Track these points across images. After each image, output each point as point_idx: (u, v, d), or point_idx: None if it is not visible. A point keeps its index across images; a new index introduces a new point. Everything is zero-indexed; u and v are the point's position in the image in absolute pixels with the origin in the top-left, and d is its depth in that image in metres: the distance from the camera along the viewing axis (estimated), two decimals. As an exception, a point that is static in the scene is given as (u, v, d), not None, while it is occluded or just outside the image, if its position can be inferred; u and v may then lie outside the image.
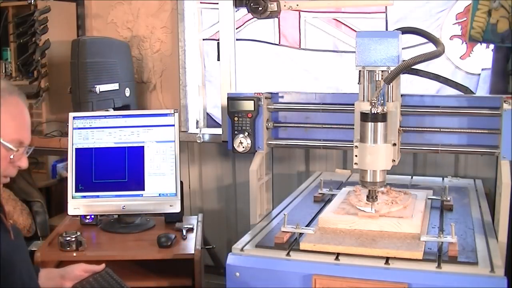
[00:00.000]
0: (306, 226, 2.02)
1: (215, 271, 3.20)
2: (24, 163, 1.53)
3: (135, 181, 2.42)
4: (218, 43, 2.98)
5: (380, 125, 1.89)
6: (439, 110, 2.23)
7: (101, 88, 2.86)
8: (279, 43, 3.28)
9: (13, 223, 1.54)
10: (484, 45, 2.85)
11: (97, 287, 1.83)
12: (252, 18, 3.05)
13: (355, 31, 3.04)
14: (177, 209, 2.43)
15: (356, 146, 1.93)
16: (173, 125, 2.44)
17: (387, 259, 1.76)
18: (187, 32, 3.32)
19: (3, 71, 3.30)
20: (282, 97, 2.48)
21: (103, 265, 1.93)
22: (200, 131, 3.24)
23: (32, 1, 3.07)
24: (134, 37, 3.42)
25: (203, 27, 3.38)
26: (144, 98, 3.43)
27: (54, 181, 3.46)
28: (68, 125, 2.49)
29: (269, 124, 2.44)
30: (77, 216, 2.51)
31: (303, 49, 3.25)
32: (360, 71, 1.95)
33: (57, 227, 2.53)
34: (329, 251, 1.82)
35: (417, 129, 2.25)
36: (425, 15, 2.98)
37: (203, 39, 3.39)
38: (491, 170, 2.67)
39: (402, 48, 1.99)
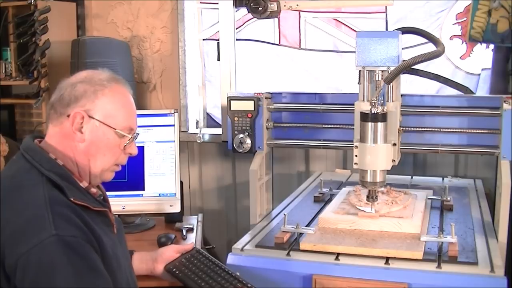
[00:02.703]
0: (306, 226, 2.03)
1: (215, 271, 3.19)
2: (135, 150, 1.56)
3: (135, 181, 2.42)
4: (218, 43, 2.98)
5: (380, 125, 1.89)
6: (439, 110, 2.24)
7: (101, 88, 2.86)
8: (279, 43, 3.28)
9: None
10: (484, 45, 2.85)
11: (191, 267, 1.81)
12: (252, 18, 3.05)
13: (355, 31, 3.04)
14: (177, 209, 2.43)
15: (356, 146, 1.93)
16: (173, 125, 2.44)
17: (387, 259, 1.76)
18: (187, 32, 3.32)
19: (3, 71, 3.30)
20: (282, 97, 2.48)
21: (191, 244, 1.93)
22: (200, 131, 3.24)
23: (32, 1, 3.07)
24: (134, 37, 3.42)
25: (203, 27, 3.38)
26: (144, 98, 3.43)
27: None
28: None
29: (269, 124, 2.44)
30: (77, 216, 2.50)
31: (303, 49, 3.25)
32: (360, 71, 1.95)
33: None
34: (329, 251, 1.82)
35: (417, 129, 2.25)
36: (425, 15, 2.98)
37: (203, 39, 3.39)
38: (491, 170, 2.66)
39: (402, 48, 1.99)
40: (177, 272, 1.80)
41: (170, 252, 1.86)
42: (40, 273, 1.27)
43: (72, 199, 1.38)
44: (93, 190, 1.52)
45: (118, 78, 1.53)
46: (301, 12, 3.19)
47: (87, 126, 1.44)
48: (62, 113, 1.44)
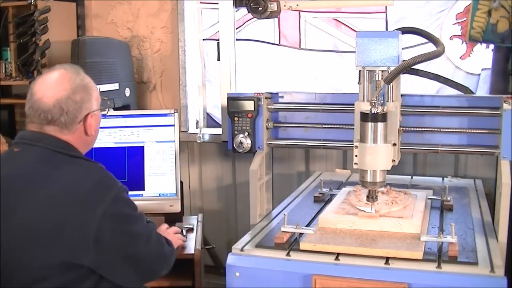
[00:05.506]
0: (306, 226, 2.02)
1: (215, 271, 3.20)
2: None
3: (135, 181, 2.42)
4: (218, 43, 2.98)
5: (380, 125, 1.89)
6: (439, 110, 2.23)
7: (101, 88, 2.85)
8: (279, 43, 3.28)
9: None
10: (484, 45, 2.85)
11: None
12: (252, 18, 3.05)
13: (355, 31, 3.03)
14: (177, 209, 2.43)
15: (356, 146, 1.93)
16: (173, 125, 2.44)
17: (387, 259, 1.76)
18: (187, 32, 3.32)
19: (3, 71, 3.30)
20: (282, 97, 2.48)
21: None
22: (200, 131, 3.24)
23: (32, 1, 3.07)
24: (134, 37, 3.42)
25: (203, 27, 3.38)
26: (144, 98, 3.43)
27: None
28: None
29: (269, 124, 2.44)
30: (77, 216, 2.50)
31: (303, 49, 3.25)
32: (360, 71, 1.95)
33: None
34: (329, 251, 1.82)
35: (417, 129, 2.25)
36: (425, 15, 2.98)
37: (203, 39, 3.39)
38: (491, 170, 2.66)
39: (402, 48, 1.99)
40: None
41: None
42: (123, 221, 1.57)
43: None
44: None
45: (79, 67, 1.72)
46: (301, 12, 3.19)
47: (91, 119, 1.67)
48: (71, 123, 1.62)
